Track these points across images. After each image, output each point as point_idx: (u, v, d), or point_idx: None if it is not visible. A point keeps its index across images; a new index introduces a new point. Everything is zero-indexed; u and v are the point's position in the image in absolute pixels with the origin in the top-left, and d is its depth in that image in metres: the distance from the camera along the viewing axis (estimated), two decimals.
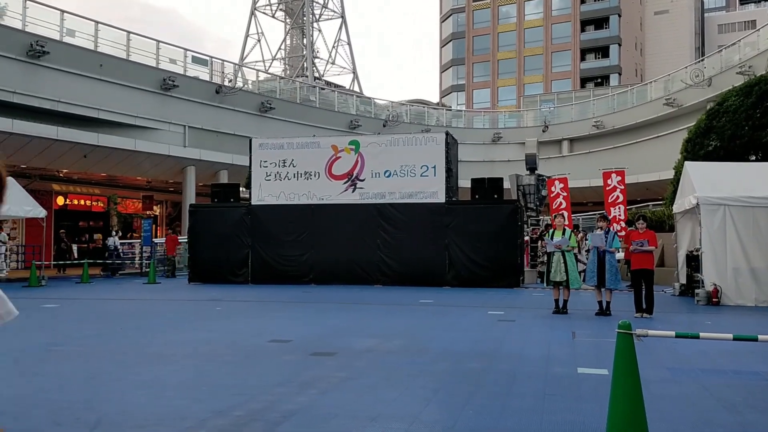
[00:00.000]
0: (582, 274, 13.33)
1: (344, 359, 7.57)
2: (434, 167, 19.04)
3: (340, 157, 19.71)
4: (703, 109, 29.07)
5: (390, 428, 4.86)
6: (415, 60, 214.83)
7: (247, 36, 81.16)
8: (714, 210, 14.00)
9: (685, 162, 17.34)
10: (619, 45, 72.76)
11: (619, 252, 12.86)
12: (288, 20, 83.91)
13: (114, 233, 27.39)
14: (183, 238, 27.21)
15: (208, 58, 34.84)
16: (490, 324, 10.97)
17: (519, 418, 5.13)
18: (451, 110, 58.92)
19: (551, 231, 12.71)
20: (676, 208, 16.56)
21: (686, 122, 33.10)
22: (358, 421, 5.05)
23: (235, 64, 41.27)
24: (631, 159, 38.82)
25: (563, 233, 12.44)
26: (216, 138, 32.59)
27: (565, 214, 19.69)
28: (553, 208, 21.98)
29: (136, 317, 12.16)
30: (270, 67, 79.28)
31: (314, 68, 78.59)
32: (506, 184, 21.25)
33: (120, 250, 26.64)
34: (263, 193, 20.10)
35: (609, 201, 20.50)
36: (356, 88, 79.57)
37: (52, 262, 27.15)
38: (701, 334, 4.81)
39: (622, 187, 20.57)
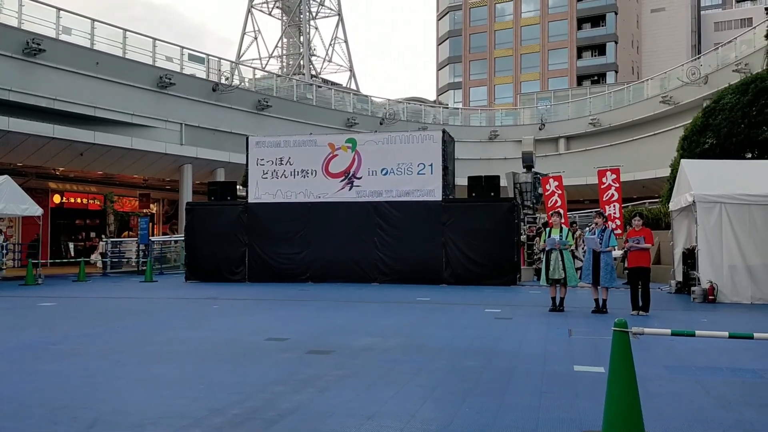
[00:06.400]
0: (578, 271, 13.35)
1: (341, 357, 7.58)
2: (431, 165, 19.04)
3: (337, 155, 19.71)
4: (699, 106, 29.12)
5: (387, 426, 4.87)
6: (412, 58, 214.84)
7: (243, 34, 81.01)
8: (710, 208, 14.02)
9: (682, 160, 17.35)
10: (616, 43, 72.79)
11: (615, 250, 12.87)
12: (285, 18, 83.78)
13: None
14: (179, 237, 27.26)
15: (204, 55, 34.81)
16: (487, 322, 10.98)
17: (516, 416, 5.14)
18: (447, 108, 58.94)
19: (548, 229, 12.73)
20: (673, 205, 16.59)
21: (683, 120, 33.15)
22: (355, 419, 5.06)
23: (231, 62, 41.21)
24: (628, 157, 38.91)
25: (560, 231, 12.47)
26: (213, 136, 32.54)
27: (561, 212, 19.70)
28: (549, 206, 22.00)
29: (133, 316, 12.15)
30: (267, 65, 79.19)
31: (311, 66, 78.45)
32: (503, 182, 21.27)
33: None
34: (260, 191, 20.09)
35: (604, 199, 20.52)
36: (353, 86, 79.49)
37: (49, 261, 27.11)
38: (697, 332, 4.83)
39: (617, 185, 20.59)
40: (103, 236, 30.09)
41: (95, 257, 27.22)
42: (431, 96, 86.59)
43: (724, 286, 13.94)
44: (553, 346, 8.44)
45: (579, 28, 73.84)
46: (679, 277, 16.16)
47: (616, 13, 73.08)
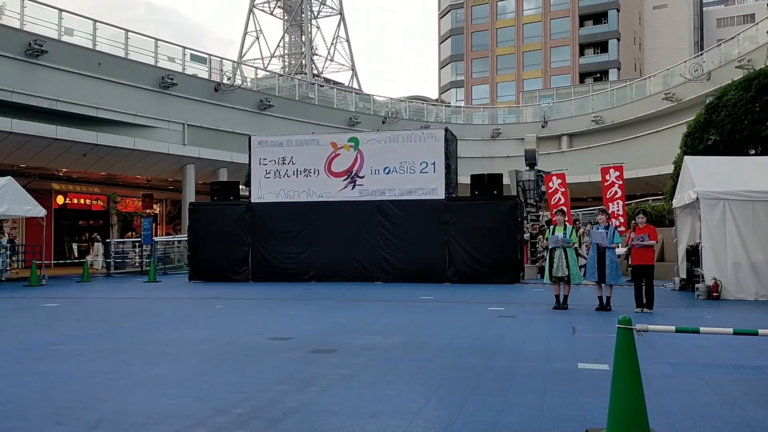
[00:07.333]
0: (582, 269, 13.32)
1: (345, 356, 7.57)
2: (434, 164, 19.03)
3: (339, 154, 19.70)
4: (702, 103, 29.05)
5: (390, 425, 4.86)
6: (414, 56, 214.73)
7: (245, 34, 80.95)
8: (714, 204, 13.99)
9: (685, 156, 17.33)
10: (618, 40, 72.65)
11: (619, 247, 12.85)
12: (286, 17, 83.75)
13: None
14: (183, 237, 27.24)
15: (206, 56, 34.86)
16: (490, 320, 10.97)
17: (519, 414, 5.13)
18: (450, 106, 58.90)
19: (552, 227, 12.71)
20: (676, 202, 16.56)
21: (685, 117, 33.08)
22: (358, 418, 5.05)
23: (233, 61, 41.21)
24: (631, 154, 38.88)
25: (564, 229, 12.45)
26: (215, 136, 32.58)
27: (565, 210, 19.69)
28: (552, 203, 21.97)
29: (137, 316, 12.16)
30: (269, 64, 79.16)
31: (313, 65, 78.43)
32: (506, 180, 21.24)
33: None
34: (263, 190, 20.10)
35: (607, 196, 20.49)
36: (355, 85, 79.41)
37: (53, 261, 27.17)
38: (701, 329, 4.81)
39: (621, 182, 20.55)
40: (97, 236, 29.97)
41: (90, 258, 27.07)
42: (433, 94, 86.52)
43: (728, 282, 13.91)
44: (556, 343, 8.43)
45: (581, 25, 73.72)
46: (683, 274, 16.13)
47: (618, 10, 72.93)
